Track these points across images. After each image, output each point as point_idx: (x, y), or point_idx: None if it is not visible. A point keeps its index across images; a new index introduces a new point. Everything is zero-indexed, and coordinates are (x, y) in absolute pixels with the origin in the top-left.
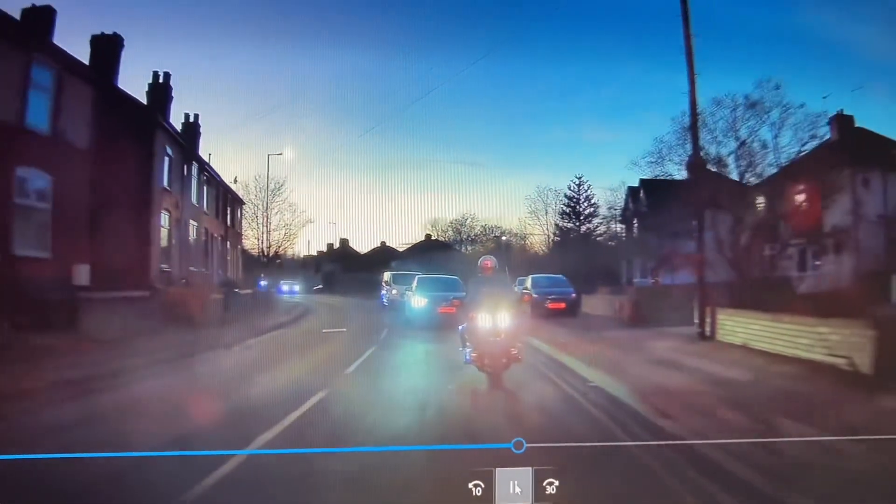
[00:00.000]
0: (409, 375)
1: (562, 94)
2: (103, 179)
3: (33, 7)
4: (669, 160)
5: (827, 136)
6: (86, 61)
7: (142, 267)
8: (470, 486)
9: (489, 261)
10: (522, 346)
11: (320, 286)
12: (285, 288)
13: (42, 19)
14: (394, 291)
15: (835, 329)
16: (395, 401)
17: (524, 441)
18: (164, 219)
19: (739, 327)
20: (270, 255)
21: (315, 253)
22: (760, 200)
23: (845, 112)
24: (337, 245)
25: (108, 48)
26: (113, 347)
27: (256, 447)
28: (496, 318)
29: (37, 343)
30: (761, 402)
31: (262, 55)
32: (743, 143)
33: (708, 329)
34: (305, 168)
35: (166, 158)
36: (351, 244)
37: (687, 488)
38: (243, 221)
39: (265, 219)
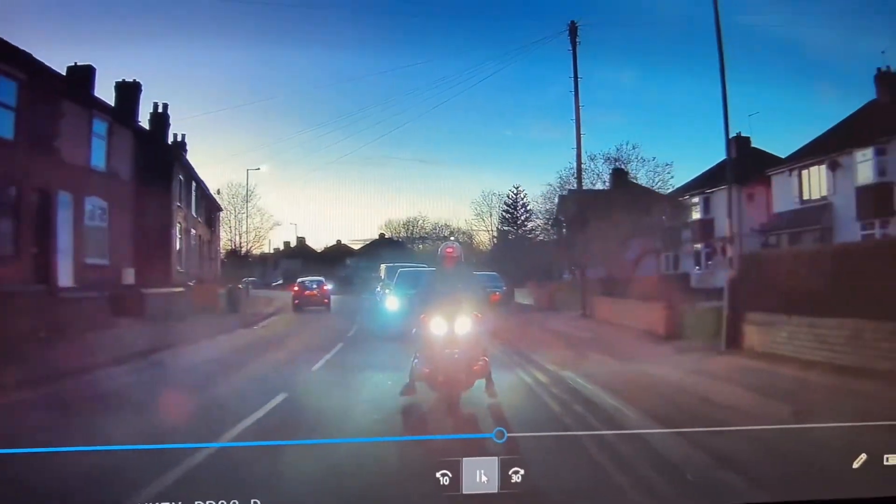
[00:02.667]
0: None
1: (509, 93)
2: (140, 202)
3: (76, 65)
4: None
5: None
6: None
7: (165, 269)
8: (438, 475)
9: (452, 247)
10: (489, 360)
11: (280, 281)
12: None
13: (85, 75)
14: (387, 291)
15: (647, 308)
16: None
17: (505, 431)
18: (178, 230)
19: (606, 308)
20: (242, 253)
21: (272, 251)
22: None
23: (743, 134)
24: (294, 243)
25: (129, 92)
26: (182, 325)
27: (320, 366)
28: (455, 324)
29: (131, 324)
30: (585, 344)
31: (227, 58)
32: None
33: (588, 311)
34: (272, 174)
35: (179, 181)
36: (308, 242)
37: (643, 476)
38: (220, 225)
39: (238, 223)
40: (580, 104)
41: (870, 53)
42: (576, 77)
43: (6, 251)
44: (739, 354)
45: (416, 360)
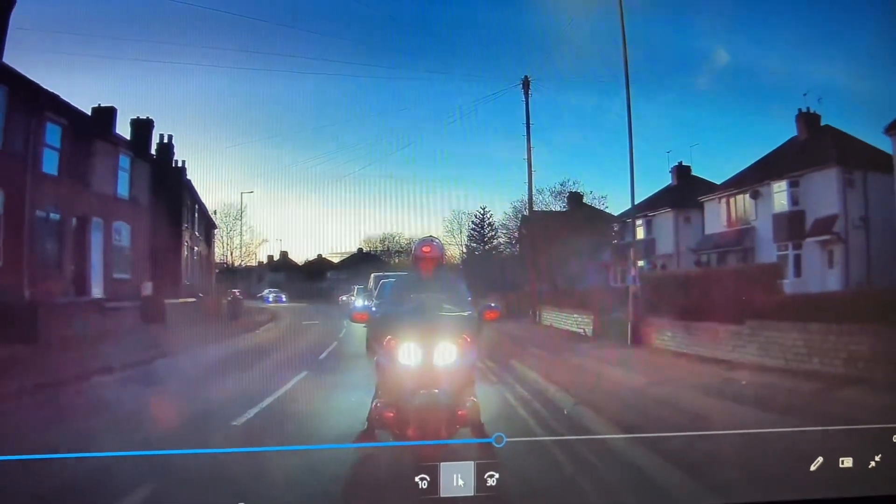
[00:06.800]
0: None
1: (478, 121)
2: (155, 224)
3: (100, 106)
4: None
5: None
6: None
7: (175, 282)
8: (416, 479)
9: (429, 245)
10: (477, 402)
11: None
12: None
13: (108, 116)
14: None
15: (581, 315)
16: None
17: (504, 436)
18: (185, 248)
19: (551, 315)
20: (233, 267)
21: (257, 264)
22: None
23: (684, 163)
24: (277, 257)
25: (144, 129)
26: (201, 329)
27: (324, 356)
28: (435, 352)
29: (159, 328)
30: (528, 342)
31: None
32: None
33: (537, 317)
34: (262, 196)
35: (186, 205)
36: (290, 256)
37: (605, 479)
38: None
39: (230, 240)
40: (531, 146)
41: (795, 95)
42: (528, 124)
43: (55, 268)
44: (638, 348)
45: (377, 402)
